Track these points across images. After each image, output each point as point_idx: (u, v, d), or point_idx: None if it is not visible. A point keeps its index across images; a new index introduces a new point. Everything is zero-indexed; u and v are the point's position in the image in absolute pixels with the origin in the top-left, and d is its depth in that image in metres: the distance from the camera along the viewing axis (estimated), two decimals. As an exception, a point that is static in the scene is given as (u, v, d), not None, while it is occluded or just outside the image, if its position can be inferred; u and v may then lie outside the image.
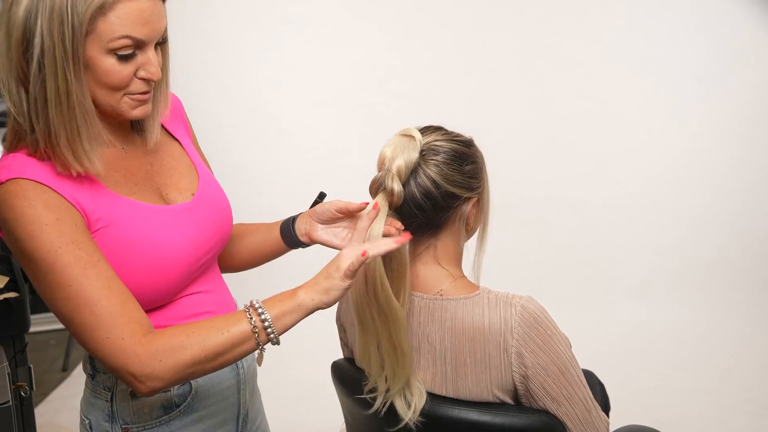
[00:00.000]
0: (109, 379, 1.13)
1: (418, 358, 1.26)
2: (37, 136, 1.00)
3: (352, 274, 1.02)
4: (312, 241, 1.29)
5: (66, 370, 3.25)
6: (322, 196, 1.36)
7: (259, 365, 1.12)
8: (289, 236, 1.31)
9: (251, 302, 1.02)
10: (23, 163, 1.00)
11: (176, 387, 1.15)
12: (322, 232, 1.28)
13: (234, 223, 1.34)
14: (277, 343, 1.02)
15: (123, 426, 1.13)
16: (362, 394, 1.26)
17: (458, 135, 1.27)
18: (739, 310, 3.56)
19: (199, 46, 3.49)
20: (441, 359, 1.23)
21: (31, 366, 2.03)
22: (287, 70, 3.70)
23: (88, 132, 1.00)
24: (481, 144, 1.30)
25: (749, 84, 3.67)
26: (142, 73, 1.03)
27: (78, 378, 3.17)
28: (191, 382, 1.16)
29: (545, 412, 1.20)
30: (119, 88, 1.02)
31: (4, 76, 0.98)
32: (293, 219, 1.33)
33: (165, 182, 1.16)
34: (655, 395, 2.88)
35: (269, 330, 1.00)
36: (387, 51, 3.70)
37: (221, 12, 3.60)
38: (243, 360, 1.24)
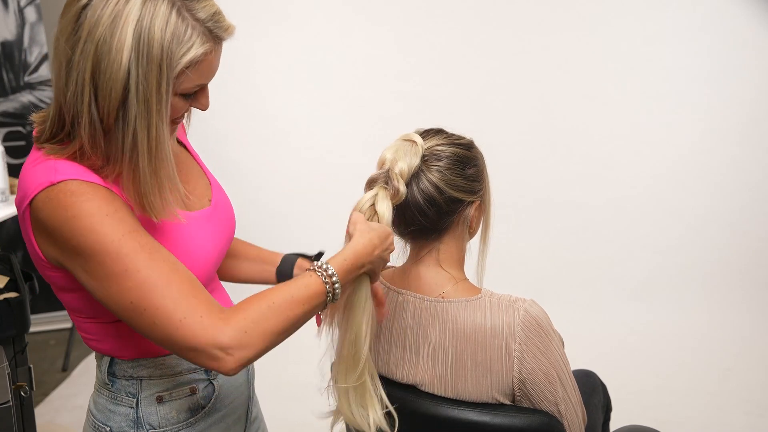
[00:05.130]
0: (132, 386, 1.13)
1: (418, 360, 1.26)
2: (113, 169, 0.99)
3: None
4: None
5: (66, 370, 3.25)
6: (319, 256, 1.37)
7: (318, 326, 1.15)
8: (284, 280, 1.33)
9: (319, 265, 1.04)
10: (73, 167, 0.99)
11: (202, 389, 1.16)
12: None
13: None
14: (338, 299, 1.07)
15: (149, 430, 1.13)
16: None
17: (459, 138, 1.26)
18: (740, 310, 3.56)
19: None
20: (441, 361, 1.23)
21: (31, 366, 2.02)
22: (287, 70, 3.70)
23: (170, 183, 1.01)
24: (482, 144, 1.30)
25: (751, 84, 3.67)
26: (194, 104, 1.06)
27: (78, 378, 3.17)
28: (214, 383, 1.18)
29: (544, 413, 1.21)
30: (174, 119, 1.05)
31: (85, 117, 0.96)
32: (292, 264, 1.35)
33: (184, 187, 1.17)
34: (655, 395, 2.88)
35: (336, 287, 1.04)
36: (388, 51, 3.70)
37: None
38: None
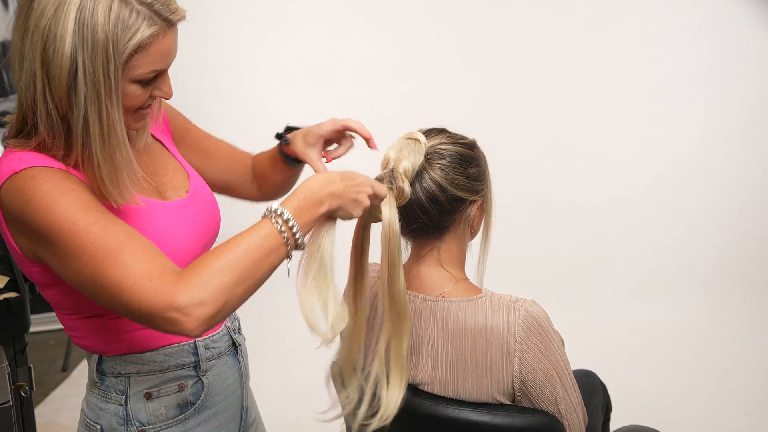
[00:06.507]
0: (121, 383, 1.14)
1: (418, 360, 1.26)
2: (74, 159, 1.02)
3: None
4: (295, 154, 1.29)
5: (66, 370, 3.25)
6: (288, 130, 1.32)
7: (289, 276, 1.07)
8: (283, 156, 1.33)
9: (268, 208, 1.00)
10: (36, 157, 1.02)
11: (190, 385, 1.17)
12: (309, 150, 1.27)
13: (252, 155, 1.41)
14: (303, 246, 1.01)
15: (139, 428, 1.13)
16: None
17: (462, 137, 1.27)
18: (740, 310, 3.56)
19: (198, 44, 3.49)
20: (442, 361, 1.23)
21: (31, 366, 2.02)
22: (288, 70, 3.70)
23: (127, 168, 1.03)
24: (482, 144, 1.30)
25: (751, 84, 3.67)
26: (156, 93, 1.07)
27: (78, 378, 3.17)
28: (203, 379, 1.18)
29: (544, 413, 1.21)
30: (135, 108, 1.06)
31: (41, 107, 0.99)
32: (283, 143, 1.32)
33: (160, 180, 1.18)
34: (655, 395, 2.88)
35: (294, 229, 0.99)
36: (388, 51, 3.70)
37: (221, 11, 3.59)
38: (242, 354, 1.28)
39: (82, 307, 1.10)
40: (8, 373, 1.81)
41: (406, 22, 3.69)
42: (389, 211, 1.15)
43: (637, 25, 3.67)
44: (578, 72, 3.70)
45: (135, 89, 1.03)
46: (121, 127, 1.01)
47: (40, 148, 1.02)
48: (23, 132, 1.03)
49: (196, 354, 1.17)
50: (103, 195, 1.02)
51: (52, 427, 2.75)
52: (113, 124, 0.99)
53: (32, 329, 2.24)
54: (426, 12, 3.68)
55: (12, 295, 1.98)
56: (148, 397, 1.14)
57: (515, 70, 3.70)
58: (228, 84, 3.62)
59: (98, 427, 1.15)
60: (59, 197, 0.97)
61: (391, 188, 1.17)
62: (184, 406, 1.16)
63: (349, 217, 1.07)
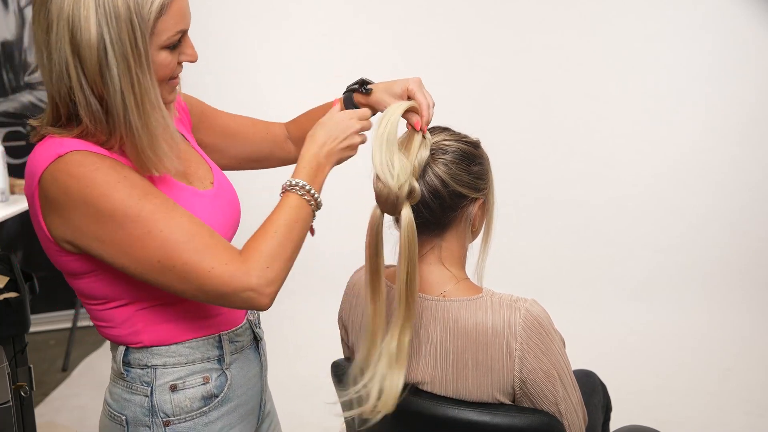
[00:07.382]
0: (147, 374, 1.15)
1: (418, 359, 1.26)
2: (116, 140, 1.04)
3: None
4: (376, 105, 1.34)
5: (66, 370, 3.25)
6: (362, 83, 1.36)
7: (312, 235, 1.18)
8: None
9: (289, 183, 1.12)
10: (78, 142, 1.03)
11: (215, 378, 1.19)
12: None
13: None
14: (321, 206, 1.14)
15: (164, 419, 1.15)
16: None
17: (465, 136, 1.27)
18: (740, 310, 3.56)
19: (199, 43, 3.48)
20: (442, 360, 1.23)
21: (31, 366, 2.03)
22: (288, 69, 3.70)
23: (164, 134, 1.05)
24: (483, 143, 1.30)
25: (751, 84, 3.67)
26: (182, 58, 1.10)
27: (78, 378, 3.17)
28: (227, 372, 1.20)
29: (545, 413, 1.21)
30: (168, 77, 1.08)
31: (79, 94, 1.00)
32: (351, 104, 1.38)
33: (186, 171, 1.20)
34: (655, 395, 2.88)
35: (314, 194, 1.13)
36: (389, 50, 3.69)
37: (221, 9, 3.59)
38: (263, 348, 1.31)
39: (114, 296, 1.11)
40: (8, 373, 1.81)
41: (407, 21, 3.69)
42: (407, 212, 1.17)
43: (638, 24, 3.67)
44: (579, 71, 3.70)
45: (165, 56, 1.05)
46: (155, 94, 1.03)
47: (83, 135, 1.04)
48: (57, 125, 1.05)
49: (221, 347, 1.19)
50: (143, 167, 1.05)
51: (52, 427, 2.75)
52: (146, 92, 1.02)
53: (32, 329, 2.25)
54: (427, 10, 3.68)
55: (12, 295, 1.98)
56: (174, 389, 1.15)
57: (516, 69, 3.70)
58: (229, 83, 3.62)
59: (123, 418, 1.16)
60: (117, 185, 1.00)
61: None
62: (208, 399, 1.18)
63: (352, 150, 1.21)
